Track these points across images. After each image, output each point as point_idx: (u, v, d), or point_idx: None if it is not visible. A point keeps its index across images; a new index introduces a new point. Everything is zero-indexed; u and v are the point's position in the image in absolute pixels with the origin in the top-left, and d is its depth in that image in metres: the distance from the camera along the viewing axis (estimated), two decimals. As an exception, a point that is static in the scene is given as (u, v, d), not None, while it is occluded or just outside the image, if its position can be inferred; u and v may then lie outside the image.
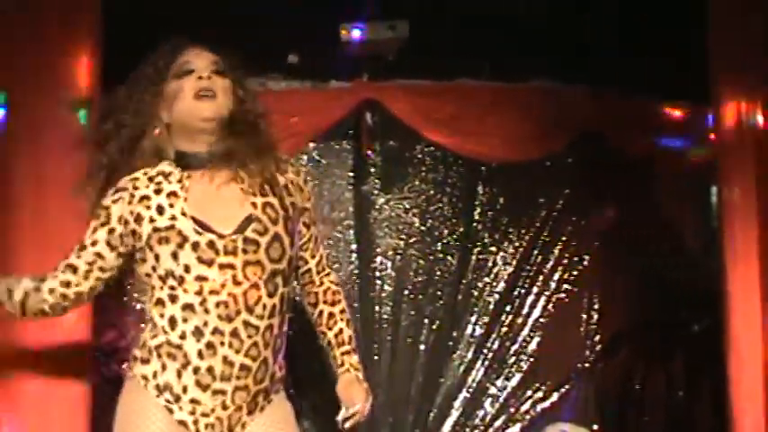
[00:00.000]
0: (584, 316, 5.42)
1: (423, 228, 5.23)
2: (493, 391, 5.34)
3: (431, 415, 5.16)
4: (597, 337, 5.41)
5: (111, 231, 2.65)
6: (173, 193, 2.61)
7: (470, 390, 5.27)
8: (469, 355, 5.26)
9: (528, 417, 5.34)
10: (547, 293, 5.40)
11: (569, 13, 4.92)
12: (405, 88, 5.02)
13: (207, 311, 2.52)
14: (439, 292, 5.14)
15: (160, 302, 2.58)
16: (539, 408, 5.35)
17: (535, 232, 5.39)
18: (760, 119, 4.20)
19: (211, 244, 2.54)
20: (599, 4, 4.84)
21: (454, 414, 5.23)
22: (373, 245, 5.16)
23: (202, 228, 2.56)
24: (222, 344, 2.53)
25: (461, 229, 5.27)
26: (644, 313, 5.38)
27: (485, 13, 4.87)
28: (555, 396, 5.37)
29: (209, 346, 2.53)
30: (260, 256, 2.56)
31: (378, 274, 5.14)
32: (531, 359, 5.36)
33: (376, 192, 5.19)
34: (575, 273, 5.42)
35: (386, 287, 5.14)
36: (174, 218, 2.56)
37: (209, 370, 2.54)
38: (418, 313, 5.17)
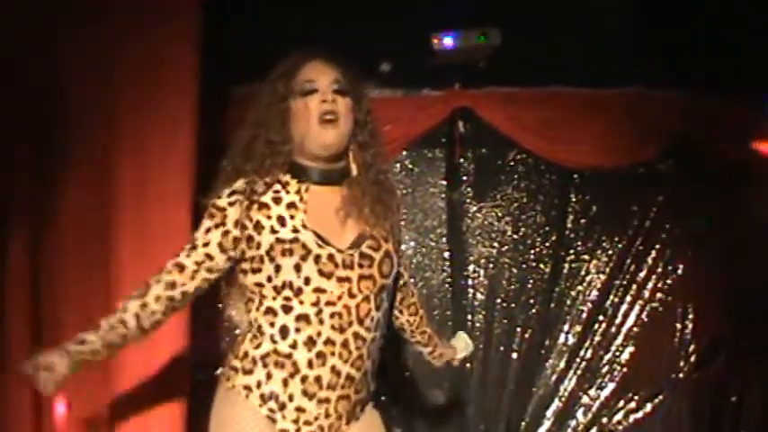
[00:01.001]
0: (678, 326, 5.35)
1: (515, 236, 5.21)
2: (585, 400, 5.29)
3: (522, 424, 5.14)
4: (691, 348, 5.34)
5: (226, 234, 2.67)
6: (292, 205, 2.65)
7: (563, 399, 5.24)
8: (562, 363, 5.23)
9: (620, 427, 5.29)
10: (640, 302, 5.35)
11: (665, 16, 4.86)
12: (497, 95, 5.00)
13: (321, 322, 2.57)
14: (531, 301, 5.12)
15: (271, 312, 2.61)
16: (631, 418, 5.30)
17: (628, 240, 5.34)
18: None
19: (331, 257, 2.60)
20: (696, 7, 4.76)
21: (546, 423, 5.20)
22: (466, 253, 5.15)
23: (322, 241, 2.61)
24: (332, 354, 2.58)
25: (554, 237, 5.24)
26: (739, 325, 5.29)
27: (576, 18, 4.83)
28: (648, 407, 5.31)
29: (320, 355, 2.58)
30: (373, 270, 2.64)
31: (470, 282, 5.14)
32: (624, 369, 5.31)
33: (468, 200, 5.18)
34: (668, 282, 5.36)
35: (478, 295, 5.13)
36: (296, 230, 2.61)
37: (317, 379, 2.59)
38: (511, 322, 5.15)
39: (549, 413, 5.22)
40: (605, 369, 5.31)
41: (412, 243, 5.19)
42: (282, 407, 2.62)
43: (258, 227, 2.63)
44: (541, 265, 5.18)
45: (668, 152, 5.25)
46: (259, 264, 2.63)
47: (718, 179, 5.29)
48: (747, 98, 5.18)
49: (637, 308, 5.34)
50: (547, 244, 5.21)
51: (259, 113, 2.77)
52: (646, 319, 5.35)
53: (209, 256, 2.68)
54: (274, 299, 2.61)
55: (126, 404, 3.83)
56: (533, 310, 5.17)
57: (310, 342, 2.58)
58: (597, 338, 5.30)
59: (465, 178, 5.17)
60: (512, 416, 5.14)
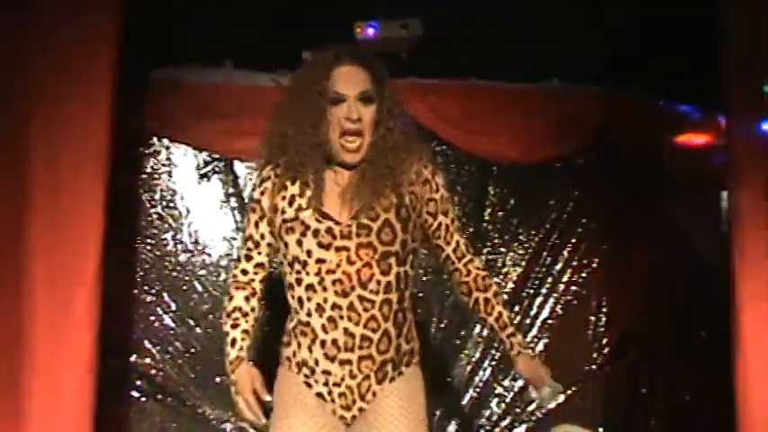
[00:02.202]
0: (593, 318, 5.43)
1: (432, 227, 5.22)
2: (500, 390, 5.35)
3: (437, 413, 5.16)
4: (605, 340, 5.42)
5: (270, 222, 2.94)
6: (305, 183, 2.90)
7: (477, 389, 5.28)
8: (477, 354, 5.27)
9: (534, 417, 5.35)
10: (555, 295, 5.41)
11: (583, 14, 4.91)
12: (417, 87, 5.02)
13: (325, 289, 2.81)
14: (447, 292, 5.13)
15: (291, 287, 2.90)
16: (545, 409, 5.35)
17: (545, 233, 5.40)
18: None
19: (329, 230, 2.84)
20: (614, 6, 4.82)
21: (461, 413, 5.22)
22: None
23: (323, 216, 2.85)
24: (341, 317, 2.81)
25: (471, 229, 5.28)
26: (652, 317, 5.38)
27: (499, 12, 4.86)
28: (561, 398, 5.35)
29: (331, 320, 2.81)
30: (372, 239, 2.83)
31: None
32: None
33: (388, 189, 5.19)
34: (583, 275, 5.43)
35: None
36: (299, 208, 2.88)
37: (334, 342, 2.82)
38: (427, 312, 5.17)
39: (464, 403, 5.25)
40: (518, 360, 5.36)
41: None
42: (312, 372, 2.86)
43: (276, 210, 2.91)
44: (458, 257, 5.18)
45: (586, 147, 5.32)
46: (278, 244, 2.93)
47: (634, 174, 5.37)
48: (664, 95, 5.27)
49: (552, 300, 5.41)
50: (464, 236, 5.22)
51: (291, 112, 2.94)
52: (560, 312, 5.42)
53: (270, 245, 2.96)
54: (290, 274, 2.88)
55: (34, 386, 3.80)
56: (449, 301, 5.19)
57: (320, 308, 2.82)
58: (512, 329, 5.35)
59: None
60: (427, 406, 5.16)
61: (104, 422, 3.96)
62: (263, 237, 2.96)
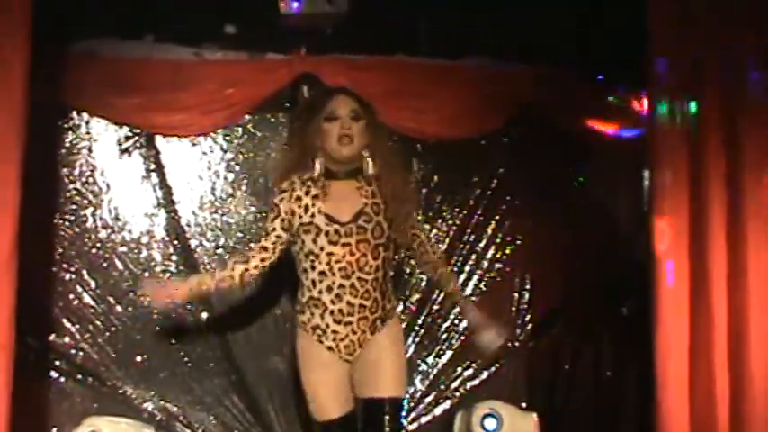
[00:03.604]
0: (516, 295, 5.48)
1: (356, 201, 5.21)
2: (423, 367, 5.38)
3: (361, 391, 5.15)
4: (528, 317, 5.46)
5: (283, 220, 3.85)
6: (316, 197, 3.84)
7: (401, 366, 5.27)
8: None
9: (458, 394, 5.39)
10: (479, 272, 5.44)
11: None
12: (341, 62, 4.99)
13: (333, 274, 3.79)
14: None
15: (305, 271, 3.85)
16: (469, 385, 5.40)
17: (469, 210, 5.42)
18: (693, 104, 4.23)
19: (336, 231, 3.79)
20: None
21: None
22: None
23: (331, 221, 3.79)
24: (344, 293, 3.80)
25: (395, 206, 5.25)
26: (575, 294, 5.44)
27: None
28: (485, 374, 5.41)
29: (338, 296, 3.80)
30: (367, 236, 3.81)
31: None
32: (462, 337, 5.38)
33: (311, 166, 5.16)
34: (507, 252, 5.47)
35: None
36: (313, 215, 3.81)
37: (340, 311, 3.81)
38: (350, 289, 5.15)
39: (388, 380, 5.24)
40: (443, 337, 5.40)
41: (252, 207, 5.18)
42: (324, 332, 3.84)
43: (294, 214, 3.84)
44: (382, 233, 5.16)
45: (511, 124, 5.33)
46: (296, 239, 3.85)
47: (559, 152, 5.40)
48: (590, 73, 5.30)
49: (475, 277, 5.43)
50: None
51: (299, 136, 3.97)
52: (484, 289, 5.45)
53: (279, 237, 3.85)
54: (305, 262, 3.83)
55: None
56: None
57: (329, 288, 3.80)
58: (436, 307, 5.38)
59: (308, 144, 5.15)
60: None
61: (22, 403, 3.86)
62: (274, 230, 3.84)
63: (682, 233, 4.20)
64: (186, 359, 5.08)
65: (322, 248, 3.79)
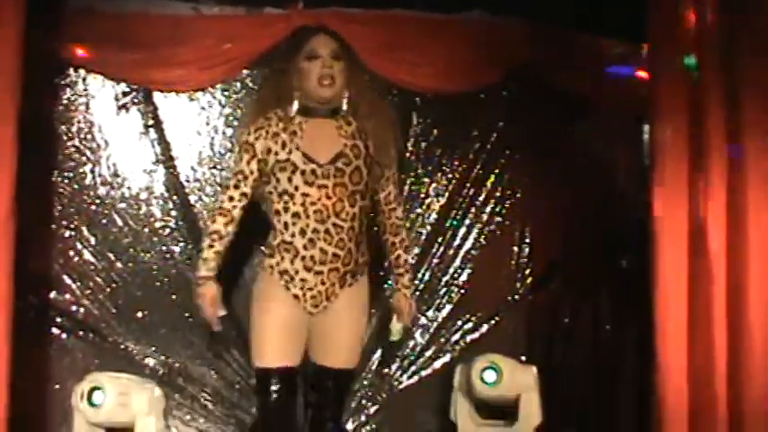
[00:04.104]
0: (515, 249, 5.48)
1: (351, 155, 5.20)
2: (423, 321, 5.39)
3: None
4: (528, 271, 5.47)
5: (259, 161, 3.75)
6: (294, 132, 3.76)
7: (401, 320, 5.29)
8: (401, 285, 5.26)
9: (458, 347, 5.41)
10: (478, 226, 5.44)
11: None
12: (339, 15, 4.94)
13: (308, 216, 3.70)
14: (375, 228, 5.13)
15: (277, 213, 3.76)
16: (468, 338, 5.42)
17: (468, 164, 5.41)
18: (693, 58, 4.21)
19: (313, 171, 3.70)
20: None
21: (386, 344, 5.24)
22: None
23: (308, 159, 3.70)
24: (318, 239, 3.71)
25: (394, 160, 5.25)
26: (574, 248, 5.44)
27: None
28: (485, 327, 5.43)
29: (311, 241, 3.72)
30: (345, 180, 3.72)
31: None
32: (462, 290, 5.41)
33: (308, 120, 5.14)
34: (506, 206, 5.46)
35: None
36: (290, 152, 3.71)
37: (312, 258, 3.73)
38: (350, 244, 5.15)
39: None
40: (443, 291, 5.41)
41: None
42: (291, 279, 3.76)
43: (270, 152, 3.74)
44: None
45: (510, 78, 5.30)
46: (268, 178, 3.75)
47: (559, 107, 5.38)
48: (587, 28, 5.26)
49: (475, 231, 5.43)
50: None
51: (276, 75, 3.90)
52: (484, 242, 5.45)
53: (255, 179, 3.77)
54: (278, 203, 3.74)
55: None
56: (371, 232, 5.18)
57: (303, 232, 3.71)
58: (435, 261, 5.39)
59: (306, 99, 5.13)
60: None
61: (24, 360, 3.88)
62: (251, 172, 3.75)
63: (681, 188, 4.20)
64: (187, 314, 5.09)
65: (297, 188, 3.69)
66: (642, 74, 4.90)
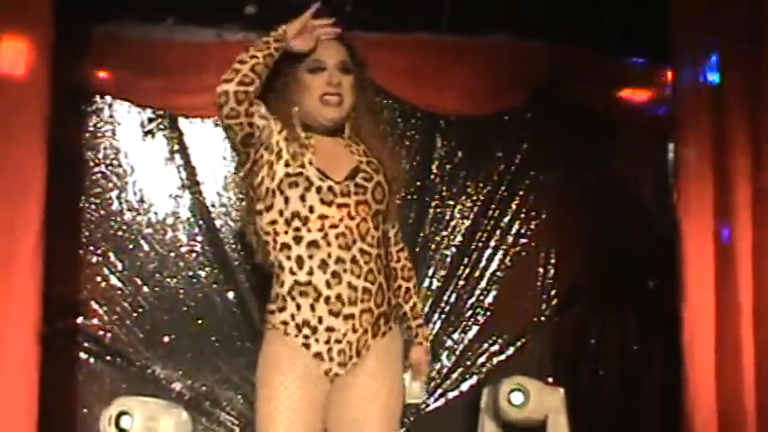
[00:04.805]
0: (541, 270, 5.46)
1: (380, 181, 5.21)
2: (449, 343, 5.37)
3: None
4: (553, 292, 5.46)
5: (271, 132, 2.96)
6: (303, 145, 3.00)
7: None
8: (426, 308, 5.26)
9: (484, 369, 5.38)
10: (504, 247, 5.43)
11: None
12: (362, 40, 4.89)
13: (329, 244, 2.91)
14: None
15: (285, 247, 2.94)
16: (495, 361, 5.39)
17: (493, 186, 5.40)
18: (716, 77, 4.22)
19: (330, 188, 2.95)
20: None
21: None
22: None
23: (323, 175, 2.96)
24: (345, 271, 2.92)
25: (419, 183, 5.27)
26: (600, 268, 5.42)
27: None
28: (511, 349, 5.41)
29: (335, 274, 2.91)
30: (367, 197, 2.99)
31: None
32: (488, 312, 5.39)
33: (334, 144, 5.16)
34: (531, 227, 5.45)
35: (343, 241, 5.14)
36: (303, 165, 2.95)
37: (338, 297, 2.92)
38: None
39: (415, 357, 5.26)
40: (469, 313, 5.40)
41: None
42: (315, 330, 2.92)
43: (279, 155, 2.96)
44: (406, 210, 5.15)
45: (533, 100, 5.31)
46: (271, 199, 2.95)
47: (583, 127, 5.38)
48: (611, 48, 5.27)
49: (500, 253, 5.42)
50: (412, 189, 5.23)
51: (276, 84, 3.02)
52: (509, 264, 5.43)
53: (258, 211, 2.98)
54: (286, 233, 2.93)
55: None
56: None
57: (324, 265, 2.91)
58: (461, 283, 5.37)
59: (329, 122, 5.15)
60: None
61: (53, 386, 3.93)
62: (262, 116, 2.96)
63: (706, 206, 4.21)
64: (213, 338, 5.10)
65: (312, 209, 2.91)
66: (666, 94, 4.90)
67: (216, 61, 4.93)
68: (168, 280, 5.08)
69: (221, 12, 4.78)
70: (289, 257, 2.92)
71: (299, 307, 2.92)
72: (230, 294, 5.14)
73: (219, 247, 5.12)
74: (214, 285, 5.09)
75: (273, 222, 2.95)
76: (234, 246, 5.13)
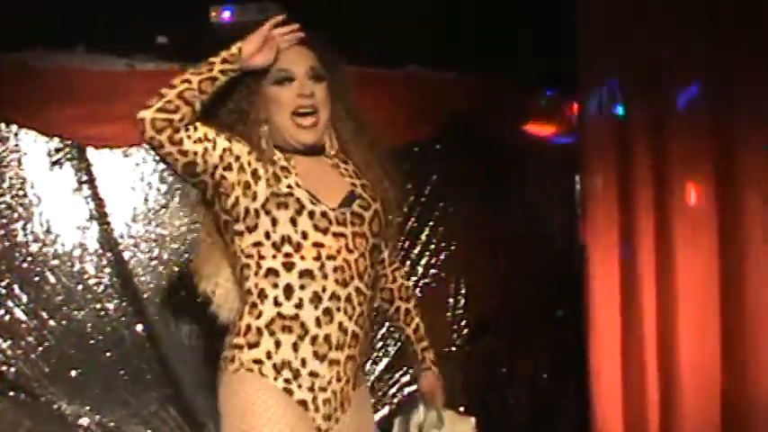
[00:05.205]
0: (451, 301, 5.50)
1: (292, 212, 5.20)
2: (360, 375, 5.35)
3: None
4: (464, 322, 5.49)
5: (230, 152, 2.57)
6: (285, 168, 2.61)
7: (339, 374, 5.27)
8: (339, 339, 5.25)
9: (395, 400, 5.38)
10: (414, 278, 5.44)
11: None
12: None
13: (325, 276, 2.53)
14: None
15: (272, 273, 2.54)
16: (406, 391, 5.39)
17: (403, 218, 5.43)
18: (621, 108, 4.33)
19: (324, 214, 2.57)
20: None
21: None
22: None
23: (315, 199, 2.58)
24: (338, 309, 2.54)
25: (329, 214, 5.27)
26: (510, 298, 5.48)
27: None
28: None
29: (327, 312, 2.53)
30: (365, 228, 2.62)
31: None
32: (399, 343, 5.39)
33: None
34: (441, 258, 5.48)
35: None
36: (290, 186, 2.56)
37: (327, 338, 2.54)
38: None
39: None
40: (380, 344, 5.40)
41: (186, 219, 5.09)
42: (297, 374, 2.54)
43: (256, 175, 2.56)
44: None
45: (443, 131, 5.36)
46: (255, 219, 2.55)
47: (491, 158, 5.45)
48: (518, 81, 5.36)
49: (411, 283, 5.43)
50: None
51: (234, 101, 2.65)
52: (419, 295, 5.43)
53: (236, 231, 2.59)
54: (274, 257, 2.54)
55: None
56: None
57: (316, 298, 2.53)
58: (372, 313, 5.37)
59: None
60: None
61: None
62: (212, 138, 2.55)
63: (612, 235, 4.31)
64: (122, 372, 5.02)
65: (305, 236, 2.53)
66: (573, 124, 5.01)
67: (126, 91, 4.91)
68: (75, 313, 4.99)
69: (133, 41, 4.75)
70: (275, 285, 2.53)
71: (278, 344, 2.53)
72: (139, 327, 5.07)
73: (128, 280, 5.05)
74: (122, 318, 5.01)
75: (258, 244, 2.56)
76: (143, 278, 5.07)
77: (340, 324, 2.54)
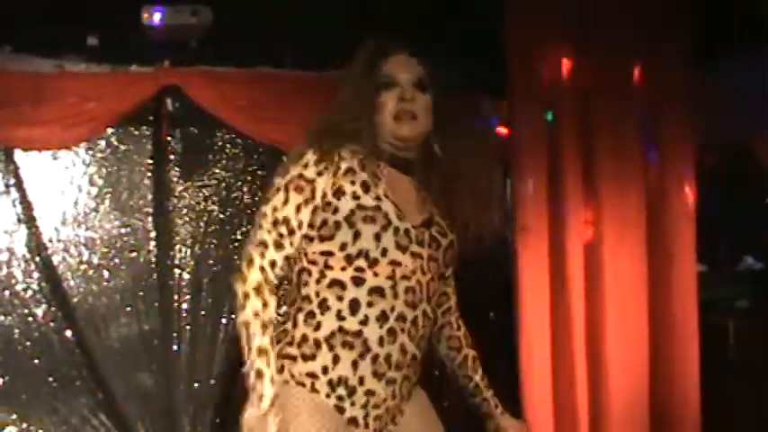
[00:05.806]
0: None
1: (222, 216, 5.21)
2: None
3: (231, 402, 5.14)
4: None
5: (315, 210, 2.48)
6: (374, 174, 2.53)
7: (271, 378, 5.27)
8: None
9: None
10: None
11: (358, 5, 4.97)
12: (207, 75, 4.96)
13: (396, 296, 2.46)
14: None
15: (338, 284, 2.46)
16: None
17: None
18: (550, 114, 4.38)
19: (407, 232, 2.50)
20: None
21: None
22: (172, 233, 5.11)
23: (401, 214, 2.51)
24: (402, 330, 2.48)
25: (266, 218, 5.27)
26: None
27: (289, 2, 4.86)
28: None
29: (391, 332, 2.46)
30: (439, 254, 2.57)
31: (176, 262, 5.09)
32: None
33: (175, 179, 5.14)
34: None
35: (185, 275, 5.10)
36: (378, 198, 2.49)
37: (387, 358, 2.47)
38: (217, 302, 5.13)
39: (257, 394, 5.24)
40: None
41: (117, 222, 5.12)
42: (352, 392, 2.47)
43: (339, 192, 2.48)
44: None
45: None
46: (333, 230, 2.47)
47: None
48: (447, 84, 5.39)
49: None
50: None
51: (344, 101, 2.64)
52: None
53: (305, 236, 2.48)
54: (344, 269, 2.46)
55: None
56: (240, 291, 5.17)
57: (383, 317, 2.45)
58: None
59: (172, 157, 5.15)
60: (219, 399, 5.13)
61: None
62: (300, 225, 2.47)
63: (542, 241, 4.34)
64: (50, 378, 4.97)
65: (385, 252, 2.46)
66: (503, 128, 5.05)
67: (55, 92, 4.87)
68: (2, 318, 4.94)
69: (62, 42, 4.70)
70: (340, 298, 2.45)
71: (336, 359, 2.45)
72: (68, 332, 5.02)
73: (57, 284, 5.01)
74: (51, 324, 4.97)
75: (327, 254, 2.47)
76: (72, 282, 5.02)
77: (402, 345, 2.48)
